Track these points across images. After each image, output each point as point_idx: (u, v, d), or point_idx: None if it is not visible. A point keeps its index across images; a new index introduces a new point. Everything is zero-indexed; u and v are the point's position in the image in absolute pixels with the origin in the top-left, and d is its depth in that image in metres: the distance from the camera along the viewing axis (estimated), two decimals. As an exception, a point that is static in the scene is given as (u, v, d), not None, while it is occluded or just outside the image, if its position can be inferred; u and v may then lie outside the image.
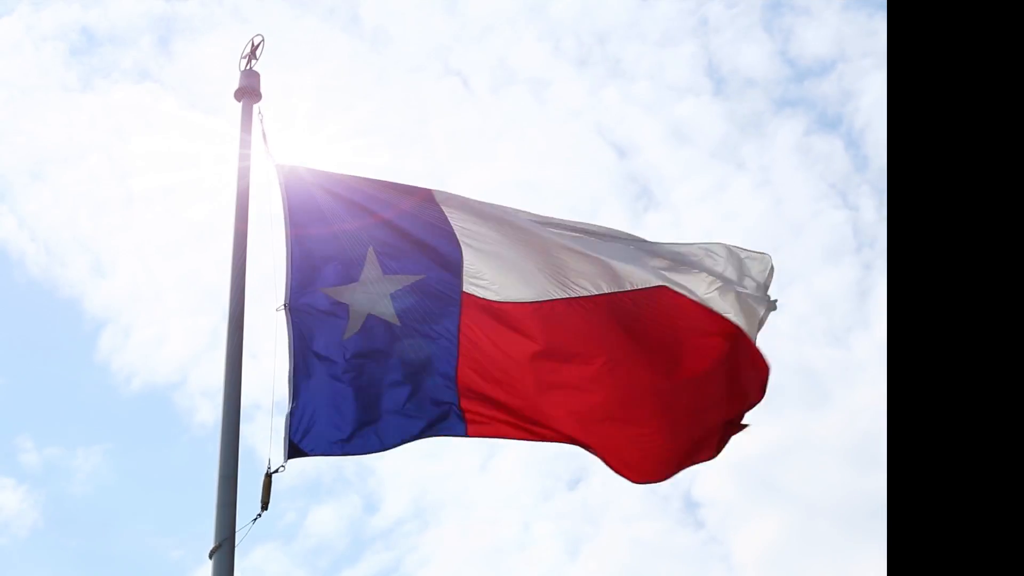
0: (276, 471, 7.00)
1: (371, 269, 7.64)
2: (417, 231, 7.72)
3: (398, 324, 7.52)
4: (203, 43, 21.69)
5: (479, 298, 7.62)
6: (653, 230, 22.09)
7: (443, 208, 7.77)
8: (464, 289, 7.63)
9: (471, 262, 7.66)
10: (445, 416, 7.41)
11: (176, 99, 21.67)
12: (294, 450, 7.12)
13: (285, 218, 7.68)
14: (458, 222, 7.74)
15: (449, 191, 7.85)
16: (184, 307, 23.10)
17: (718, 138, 23.78)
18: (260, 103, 8.17)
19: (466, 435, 7.41)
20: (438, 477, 22.06)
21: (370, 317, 7.54)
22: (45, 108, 23.45)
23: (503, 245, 7.71)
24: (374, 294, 7.60)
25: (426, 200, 7.79)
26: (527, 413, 7.47)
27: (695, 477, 20.84)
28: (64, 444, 22.92)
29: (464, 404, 7.44)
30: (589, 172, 23.37)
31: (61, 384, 23.70)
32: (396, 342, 7.51)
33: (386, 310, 7.55)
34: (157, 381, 23.20)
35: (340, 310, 7.55)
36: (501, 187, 22.56)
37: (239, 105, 8.21)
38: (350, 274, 7.65)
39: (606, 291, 7.64)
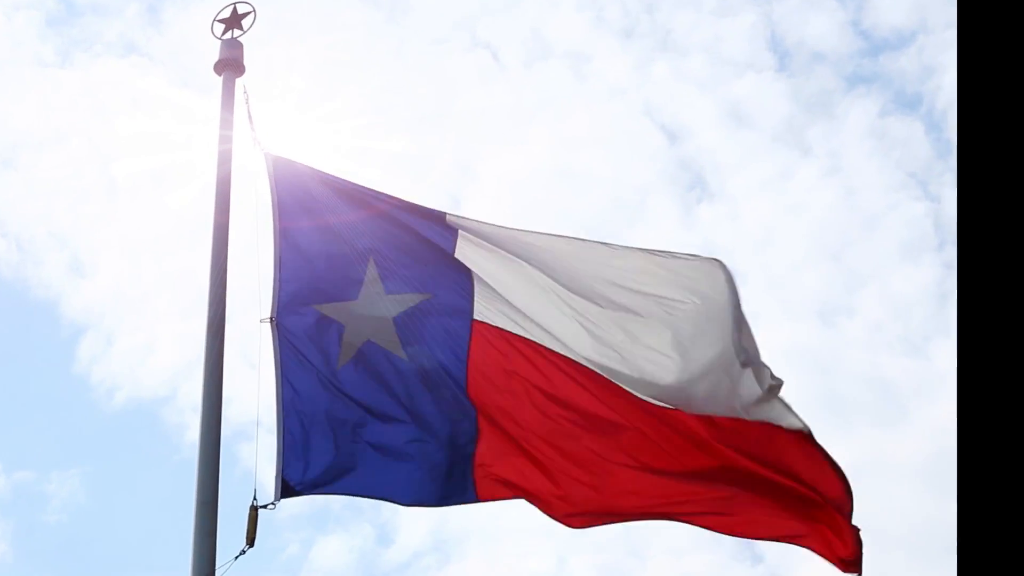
0: (265, 507, 7.11)
1: (371, 286, 7.62)
2: (424, 246, 7.68)
3: (404, 359, 7.52)
4: (195, 12, 21.61)
5: (492, 326, 7.55)
6: (707, 224, 22.09)
7: (456, 230, 7.66)
8: (475, 317, 7.58)
9: (481, 289, 7.59)
10: (453, 472, 7.40)
11: (165, 75, 21.31)
12: (286, 488, 7.21)
13: (273, 212, 7.69)
14: (468, 251, 7.63)
15: (463, 215, 7.76)
16: (174, 311, 22.45)
17: (781, 120, 23.31)
18: (243, 77, 8.15)
19: (476, 500, 7.40)
20: (460, 503, 21.96)
21: (369, 344, 7.54)
22: (18, 85, 23.15)
23: (516, 282, 7.60)
24: (374, 317, 7.58)
25: (437, 219, 7.70)
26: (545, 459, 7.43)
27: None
28: (36, 467, 22.54)
29: (478, 456, 7.42)
30: (635, 159, 23.05)
31: (34, 398, 23.33)
32: (399, 375, 7.52)
33: (389, 338, 7.55)
34: (143, 395, 22.81)
35: (334, 332, 7.54)
36: (534, 175, 22.46)
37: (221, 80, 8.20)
38: (347, 290, 7.64)
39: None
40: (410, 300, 7.59)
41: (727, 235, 22.26)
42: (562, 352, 7.44)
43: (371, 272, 7.63)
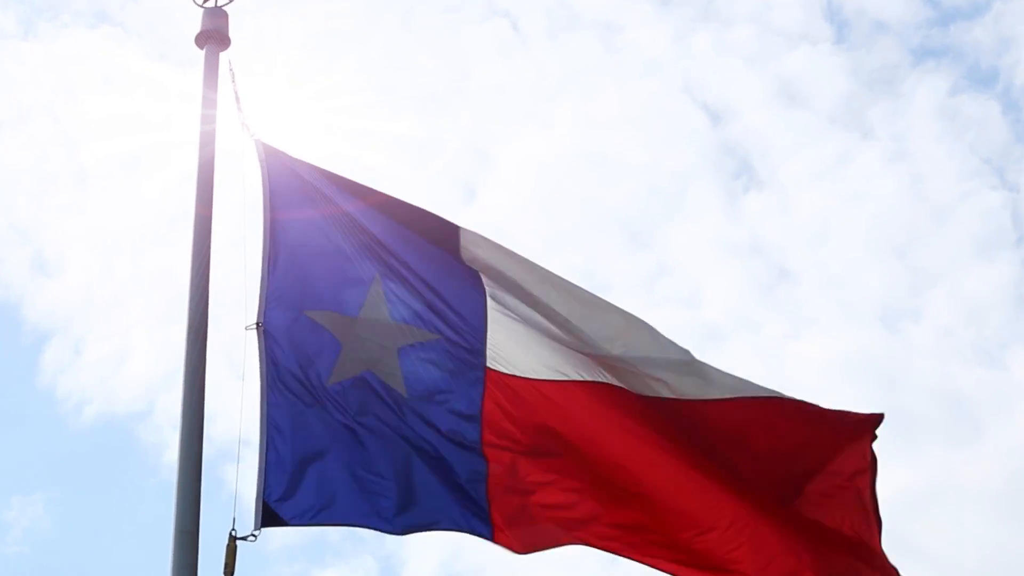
0: (244, 538, 6.80)
1: (375, 306, 7.34)
2: (435, 275, 7.38)
3: (404, 395, 7.22)
4: (175, -22, 21.33)
5: (505, 374, 7.26)
6: (755, 216, 21.62)
7: (469, 252, 7.37)
8: (488, 365, 7.28)
9: (495, 331, 7.30)
10: (468, 507, 7.12)
11: (141, 48, 21.00)
12: (268, 516, 6.90)
13: (264, 202, 7.38)
14: (486, 278, 7.36)
15: (478, 232, 7.48)
16: (150, 315, 22.10)
17: (839, 99, 22.97)
18: (228, 50, 7.87)
19: (492, 540, 7.08)
20: (474, 533, 21.47)
21: (368, 374, 7.23)
22: (-25, 60, 22.96)
23: (533, 312, 7.32)
24: (377, 343, 7.29)
25: (450, 238, 7.39)
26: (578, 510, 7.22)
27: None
28: (-5, 491, 22.21)
29: (491, 490, 7.10)
30: (673, 142, 22.76)
31: (-8, 414, 22.96)
32: (399, 410, 7.21)
33: (391, 371, 7.25)
34: (115, 410, 22.45)
35: (328, 346, 7.24)
36: (559, 160, 22.06)
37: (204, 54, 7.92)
38: (346, 302, 7.33)
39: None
40: (417, 336, 7.34)
41: (777, 229, 22.19)
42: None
43: (375, 290, 7.36)
